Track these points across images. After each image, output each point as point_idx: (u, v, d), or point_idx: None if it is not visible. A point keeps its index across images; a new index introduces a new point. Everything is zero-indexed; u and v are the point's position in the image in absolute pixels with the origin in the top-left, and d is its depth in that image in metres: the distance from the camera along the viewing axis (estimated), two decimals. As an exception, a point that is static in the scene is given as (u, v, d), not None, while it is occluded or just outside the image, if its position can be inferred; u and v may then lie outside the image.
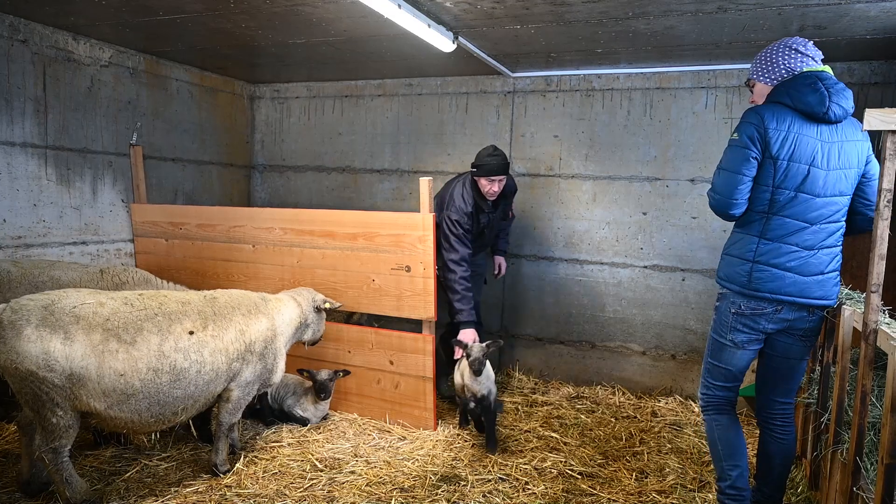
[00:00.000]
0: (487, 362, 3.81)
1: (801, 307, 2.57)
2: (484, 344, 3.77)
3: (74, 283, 3.75)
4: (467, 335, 4.02)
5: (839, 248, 2.60)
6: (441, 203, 4.32)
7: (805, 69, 2.55)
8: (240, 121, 6.16)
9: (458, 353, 3.95)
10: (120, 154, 4.88)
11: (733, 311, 2.62)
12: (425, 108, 5.62)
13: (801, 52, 2.57)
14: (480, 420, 3.94)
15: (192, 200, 5.60)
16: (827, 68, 2.57)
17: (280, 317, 3.48)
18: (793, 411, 2.82)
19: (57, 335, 2.71)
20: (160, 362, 2.90)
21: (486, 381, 3.79)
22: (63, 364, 2.71)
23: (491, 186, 4.19)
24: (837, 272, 2.61)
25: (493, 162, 4.14)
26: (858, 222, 2.65)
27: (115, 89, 4.81)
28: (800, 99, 2.47)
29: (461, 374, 3.89)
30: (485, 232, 4.43)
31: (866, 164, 2.58)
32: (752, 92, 2.74)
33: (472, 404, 3.81)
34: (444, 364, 4.64)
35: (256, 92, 6.27)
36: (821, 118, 2.46)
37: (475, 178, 4.22)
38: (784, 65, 2.57)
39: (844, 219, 2.59)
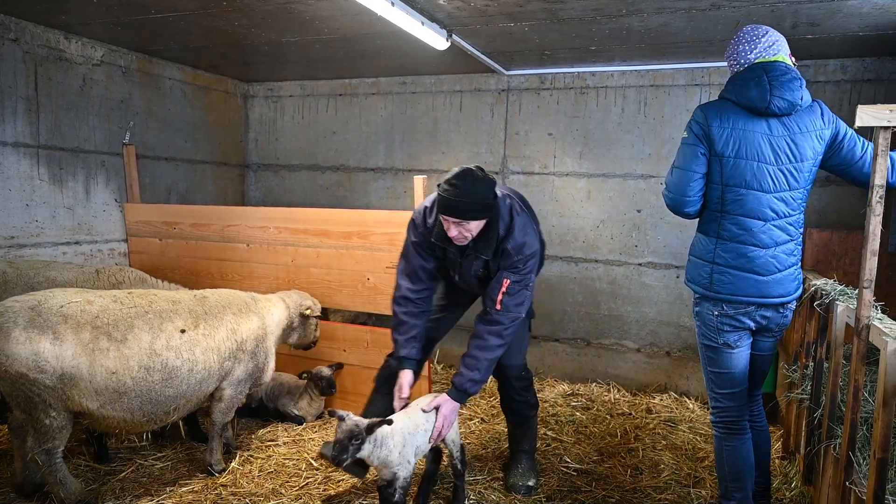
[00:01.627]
0: (392, 439, 2.63)
1: (772, 306, 2.55)
2: (366, 422, 2.54)
3: (70, 284, 3.73)
4: (405, 378, 2.96)
5: (796, 242, 2.55)
6: None
7: (756, 60, 2.48)
8: (233, 120, 6.14)
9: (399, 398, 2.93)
10: (113, 153, 4.86)
11: (716, 312, 2.57)
12: (419, 107, 5.61)
13: (753, 41, 2.49)
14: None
15: (186, 200, 5.58)
16: (780, 58, 2.47)
17: (270, 316, 3.48)
18: (761, 399, 2.87)
19: (46, 336, 2.70)
20: (152, 360, 2.89)
21: (389, 461, 2.64)
22: (54, 364, 2.69)
23: (447, 227, 2.75)
24: (795, 266, 2.56)
25: (444, 195, 2.67)
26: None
27: (108, 88, 4.79)
28: (742, 94, 2.43)
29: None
30: (451, 274, 3.06)
31: (843, 139, 2.50)
32: None
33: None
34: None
35: (250, 90, 6.25)
36: (764, 112, 2.41)
37: None
38: (736, 56, 2.52)
39: (801, 212, 2.54)
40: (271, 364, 3.49)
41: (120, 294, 3.02)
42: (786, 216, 2.49)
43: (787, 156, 2.45)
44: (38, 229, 4.35)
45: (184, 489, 3.18)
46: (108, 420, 2.88)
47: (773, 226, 2.48)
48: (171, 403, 3.01)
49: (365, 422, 2.55)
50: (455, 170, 2.74)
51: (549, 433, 4.04)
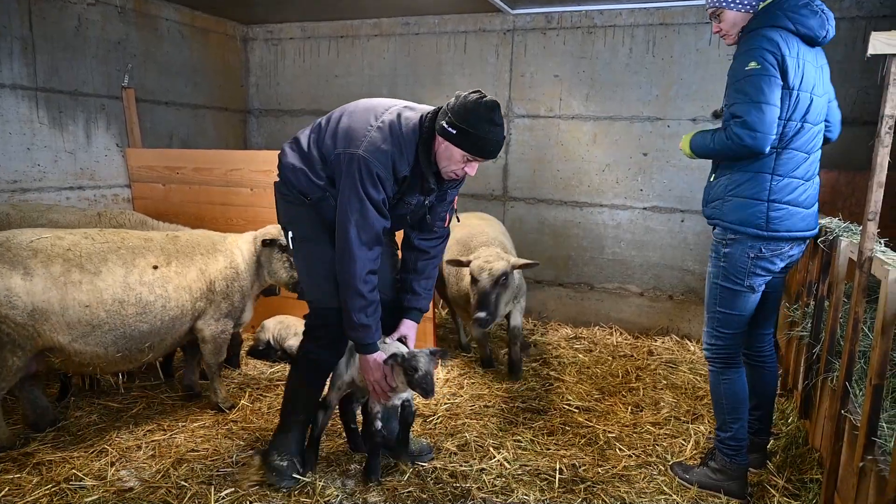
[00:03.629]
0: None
1: (802, 241, 2.57)
2: (427, 351, 2.59)
3: (72, 226, 3.75)
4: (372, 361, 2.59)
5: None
6: (344, 132, 2.58)
7: None
8: (233, 63, 6.03)
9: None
10: (112, 97, 4.80)
11: (752, 255, 2.49)
12: (423, 49, 5.49)
13: None
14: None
15: (187, 145, 5.54)
16: None
17: (238, 253, 3.35)
18: (774, 339, 2.91)
19: (16, 271, 2.70)
20: (126, 294, 2.91)
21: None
22: (25, 300, 2.69)
23: (462, 167, 2.52)
24: None
25: (492, 137, 2.42)
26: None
27: (104, 29, 4.69)
28: (802, 22, 2.35)
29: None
30: (406, 217, 2.72)
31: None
32: (717, 21, 2.55)
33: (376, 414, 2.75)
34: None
35: (249, 33, 6.11)
36: (818, 42, 2.40)
37: (444, 139, 2.46)
38: None
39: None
40: (249, 304, 3.45)
41: (91, 231, 3.03)
42: (820, 147, 2.53)
43: (825, 85, 2.46)
44: (40, 174, 4.34)
45: (195, 424, 3.27)
46: (81, 355, 2.87)
47: (814, 157, 2.51)
48: (146, 340, 3.02)
49: (426, 352, 2.57)
50: (483, 101, 2.39)
51: (551, 373, 4.12)
